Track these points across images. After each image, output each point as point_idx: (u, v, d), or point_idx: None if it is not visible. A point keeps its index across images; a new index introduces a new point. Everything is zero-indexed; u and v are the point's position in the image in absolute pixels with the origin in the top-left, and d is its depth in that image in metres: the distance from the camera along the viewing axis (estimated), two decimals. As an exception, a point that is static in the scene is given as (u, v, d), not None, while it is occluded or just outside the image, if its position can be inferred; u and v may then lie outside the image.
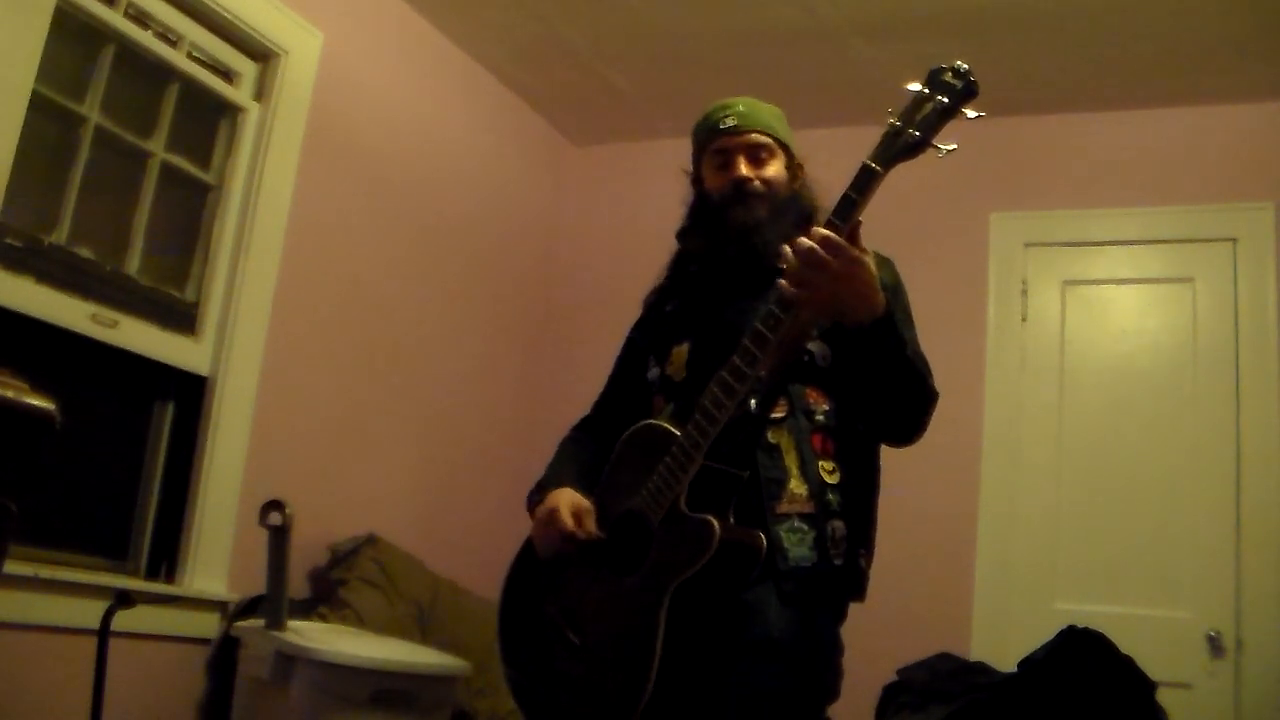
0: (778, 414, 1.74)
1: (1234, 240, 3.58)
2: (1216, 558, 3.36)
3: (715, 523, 1.59)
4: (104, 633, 2.43)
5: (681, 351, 1.88)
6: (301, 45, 3.26)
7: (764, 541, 1.64)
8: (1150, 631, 3.25)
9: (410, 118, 3.74)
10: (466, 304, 4.00)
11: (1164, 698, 2.73)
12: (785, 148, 1.94)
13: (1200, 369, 3.53)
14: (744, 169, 1.89)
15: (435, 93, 3.86)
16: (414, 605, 3.21)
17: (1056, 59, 3.53)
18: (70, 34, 2.68)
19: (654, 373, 1.93)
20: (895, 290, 1.83)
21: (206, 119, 3.10)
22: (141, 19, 2.86)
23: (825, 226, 1.57)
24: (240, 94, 3.14)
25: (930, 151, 1.55)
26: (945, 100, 1.54)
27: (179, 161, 3.01)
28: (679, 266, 2.00)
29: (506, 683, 1.86)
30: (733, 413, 1.61)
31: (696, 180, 2.00)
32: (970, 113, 1.54)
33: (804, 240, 1.55)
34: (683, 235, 1.99)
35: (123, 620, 2.49)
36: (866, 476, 1.83)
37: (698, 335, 1.87)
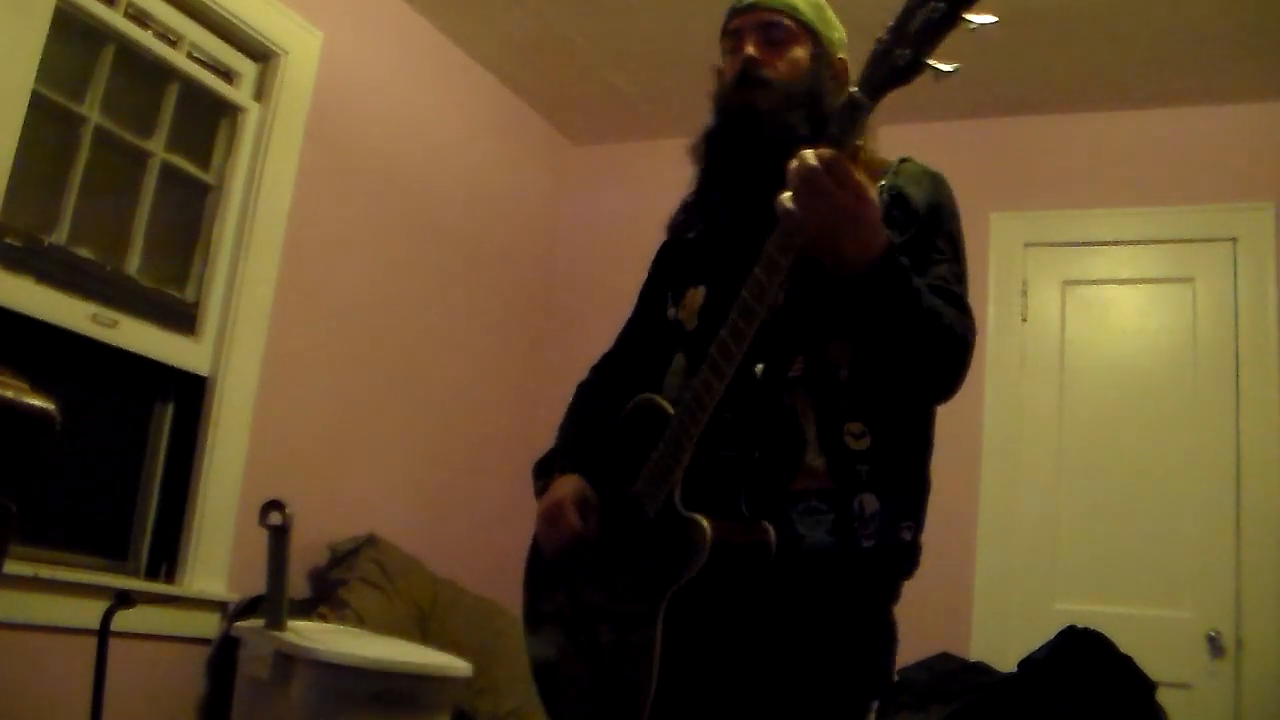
0: (793, 373, 1.50)
1: (1234, 240, 3.58)
2: (1216, 558, 3.35)
3: (707, 527, 1.38)
4: (104, 633, 2.43)
5: (696, 295, 1.65)
6: (301, 45, 3.26)
7: (772, 536, 1.42)
8: (1150, 631, 3.25)
9: (410, 118, 3.74)
10: (466, 304, 4.00)
11: (1164, 698, 2.74)
12: (815, 37, 1.65)
13: (1200, 369, 3.53)
14: (750, 50, 1.62)
15: (435, 93, 3.86)
16: (414, 605, 3.21)
17: (1056, 59, 3.53)
18: (70, 34, 2.68)
19: (671, 313, 1.71)
20: (936, 212, 1.56)
21: (206, 119, 3.10)
22: (141, 19, 2.86)
23: None
24: (240, 94, 3.14)
25: (927, 74, 1.28)
26: (942, 4, 1.25)
27: (179, 161, 3.01)
28: (705, 181, 1.73)
29: (530, 666, 1.72)
30: (721, 393, 1.41)
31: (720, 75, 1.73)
32: (975, 19, 1.24)
33: (808, 158, 1.31)
34: (704, 138, 1.72)
35: (123, 620, 2.49)
36: (911, 438, 1.56)
37: (714, 278, 1.62)
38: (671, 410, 1.49)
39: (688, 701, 1.43)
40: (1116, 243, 3.73)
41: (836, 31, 1.71)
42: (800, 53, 1.64)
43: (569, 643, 1.60)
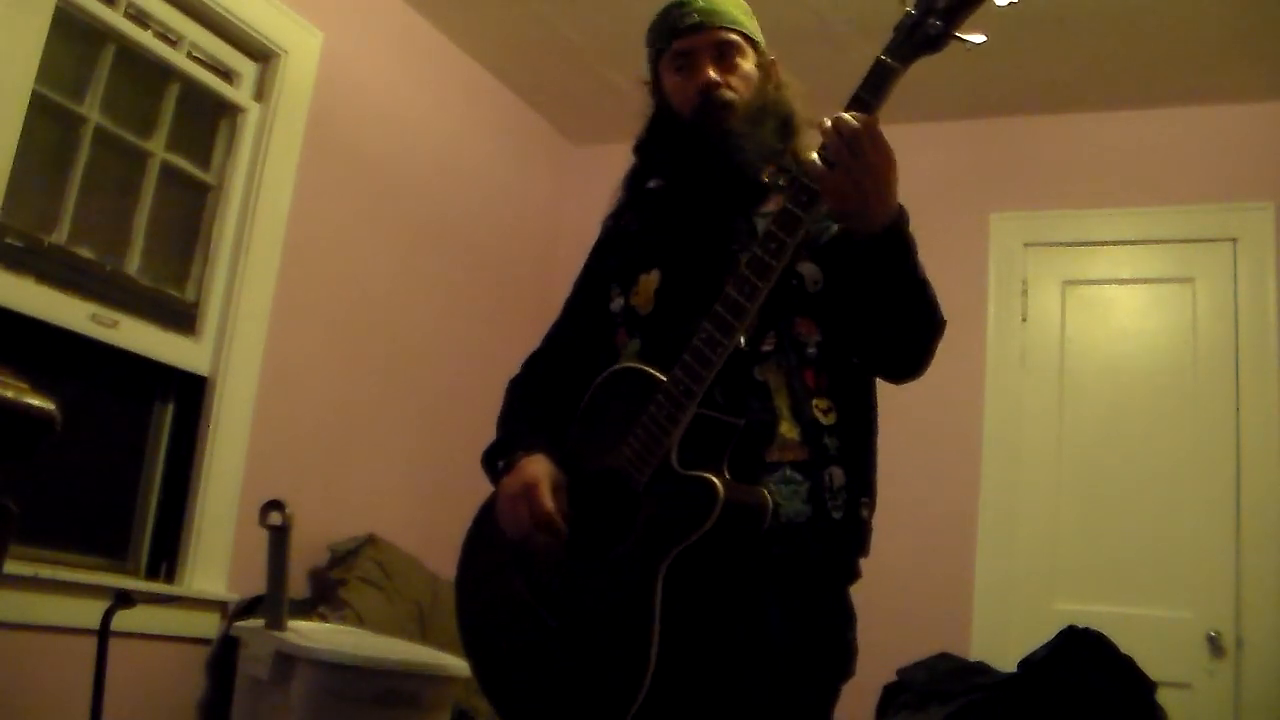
0: (765, 348, 1.55)
1: (1234, 240, 3.58)
2: (1216, 558, 3.36)
3: (717, 483, 1.40)
4: (104, 633, 2.44)
5: (650, 280, 1.67)
6: (301, 45, 3.26)
7: (769, 499, 1.45)
8: (1150, 631, 3.25)
9: (410, 117, 3.74)
10: (466, 304, 4.00)
11: (1164, 698, 2.74)
12: (754, 44, 1.71)
13: (1200, 369, 3.53)
14: (711, 72, 1.65)
15: (435, 93, 3.86)
16: (414, 605, 3.21)
17: (1057, 59, 3.53)
18: (70, 34, 2.68)
19: (618, 304, 1.71)
20: None
21: (206, 119, 3.10)
22: (141, 19, 2.86)
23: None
24: (240, 94, 3.14)
25: (954, 45, 1.36)
26: None
27: (179, 161, 3.01)
28: (638, 183, 1.79)
29: (472, 671, 1.69)
30: (729, 351, 1.43)
31: (656, 89, 1.76)
32: (1000, 0, 1.33)
33: (850, 119, 1.36)
34: (641, 149, 1.78)
35: (123, 620, 2.49)
36: (864, 415, 1.63)
37: (668, 262, 1.66)
38: (661, 376, 1.48)
39: (681, 670, 1.43)
40: (1116, 243, 3.74)
41: (759, 31, 1.74)
42: (749, 65, 1.69)
43: (532, 630, 1.57)
